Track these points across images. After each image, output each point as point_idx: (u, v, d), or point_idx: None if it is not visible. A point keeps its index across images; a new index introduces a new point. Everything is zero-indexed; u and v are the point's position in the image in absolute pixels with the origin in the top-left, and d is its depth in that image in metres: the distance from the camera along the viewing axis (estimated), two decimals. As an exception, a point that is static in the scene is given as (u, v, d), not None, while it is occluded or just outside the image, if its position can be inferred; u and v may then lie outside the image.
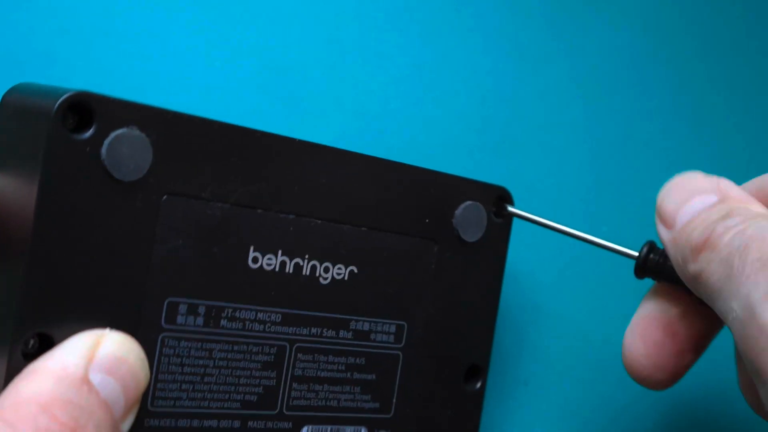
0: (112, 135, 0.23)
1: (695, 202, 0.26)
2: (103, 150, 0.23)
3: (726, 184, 0.26)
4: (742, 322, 0.22)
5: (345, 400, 0.29)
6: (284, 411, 0.27)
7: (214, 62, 0.34)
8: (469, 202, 0.31)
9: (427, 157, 0.35)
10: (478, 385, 0.32)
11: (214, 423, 0.26)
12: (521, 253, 0.35)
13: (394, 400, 0.30)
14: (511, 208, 0.32)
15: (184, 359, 0.25)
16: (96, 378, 0.22)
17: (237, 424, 0.26)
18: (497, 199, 0.32)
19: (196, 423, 0.26)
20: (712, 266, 0.24)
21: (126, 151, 0.23)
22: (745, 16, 0.41)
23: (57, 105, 0.22)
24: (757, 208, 0.25)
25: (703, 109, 0.40)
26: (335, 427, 0.28)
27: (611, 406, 0.37)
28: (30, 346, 0.23)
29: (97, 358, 0.22)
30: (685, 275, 0.25)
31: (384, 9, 0.36)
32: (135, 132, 0.24)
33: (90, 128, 0.23)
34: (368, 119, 0.36)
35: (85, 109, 0.23)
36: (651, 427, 0.37)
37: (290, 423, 0.27)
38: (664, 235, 0.27)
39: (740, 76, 0.41)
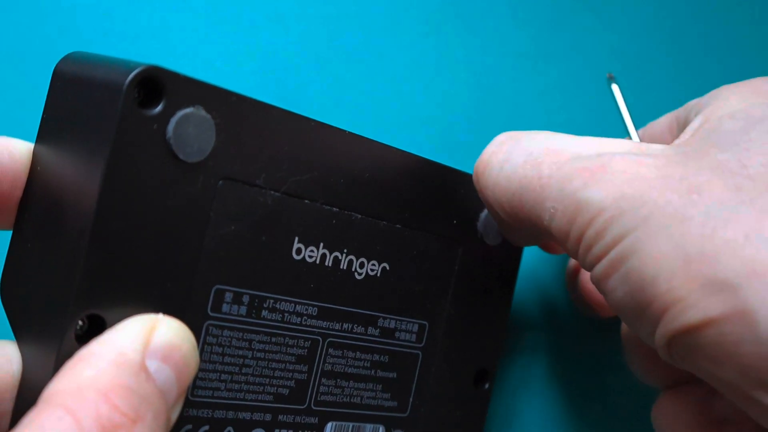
0: (180, 113, 0.22)
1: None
2: (170, 128, 0.22)
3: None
4: None
5: (367, 398, 0.28)
6: (312, 406, 0.27)
7: (214, 62, 0.34)
8: None
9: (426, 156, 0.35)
10: (486, 386, 0.32)
11: (247, 415, 0.25)
12: (527, 254, 0.36)
13: (411, 399, 0.29)
14: None
15: (225, 349, 0.25)
16: (152, 365, 0.21)
17: (268, 417, 0.26)
18: None
19: (231, 414, 0.25)
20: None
21: (192, 131, 0.23)
22: (751, 15, 0.42)
23: (130, 78, 0.21)
24: None
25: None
26: (357, 424, 0.28)
27: (616, 409, 0.38)
28: (80, 327, 0.22)
29: (153, 345, 0.21)
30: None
31: (386, 9, 0.36)
32: (201, 112, 0.23)
33: (158, 104, 0.22)
34: (367, 120, 0.35)
35: (155, 85, 0.22)
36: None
37: (316, 418, 0.27)
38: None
39: (750, 77, 0.42)
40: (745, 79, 0.41)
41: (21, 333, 0.23)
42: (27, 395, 0.22)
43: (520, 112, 0.38)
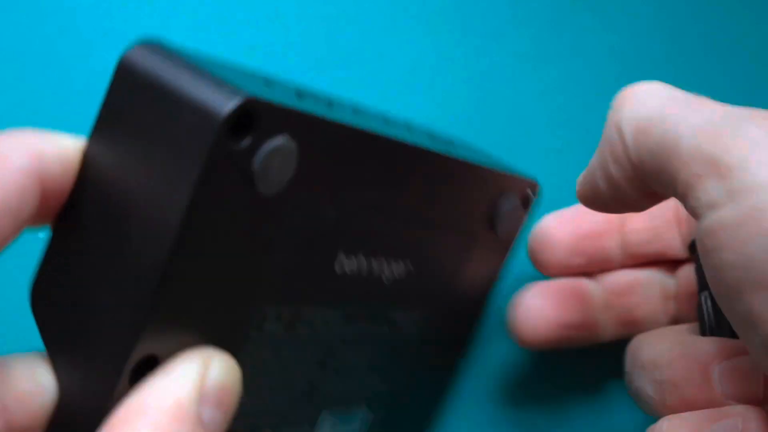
0: (269, 146, 0.20)
1: None
2: (257, 160, 0.20)
3: None
4: None
5: (362, 386, 0.28)
6: (318, 401, 0.27)
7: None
8: (509, 196, 0.30)
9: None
10: (452, 371, 0.32)
11: (263, 420, 0.25)
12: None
13: (394, 381, 0.30)
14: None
15: (259, 367, 0.24)
16: (207, 414, 0.21)
17: (279, 418, 0.26)
18: (529, 192, 0.31)
19: (250, 422, 0.25)
20: None
21: (277, 163, 0.21)
22: (752, 15, 0.43)
23: (228, 111, 0.19)
24: None
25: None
26: (346, 409, 0.28)
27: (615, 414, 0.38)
28: (135, 367, 0.20)
29: (207, 390, 0.21)
30: None
31: (386, 9, 0.36)
32: (288, 143, 0.21)
33: (249, 135, 0.20)
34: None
35: (249, 115, 0.20)
36: None
37: (317, 410, 0.27)
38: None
39: (750, 77, 0.42)
40: (745, 78, 0.42)
41: (57, 356, 0.21)
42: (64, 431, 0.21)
43: (520, 112, 0.38)
